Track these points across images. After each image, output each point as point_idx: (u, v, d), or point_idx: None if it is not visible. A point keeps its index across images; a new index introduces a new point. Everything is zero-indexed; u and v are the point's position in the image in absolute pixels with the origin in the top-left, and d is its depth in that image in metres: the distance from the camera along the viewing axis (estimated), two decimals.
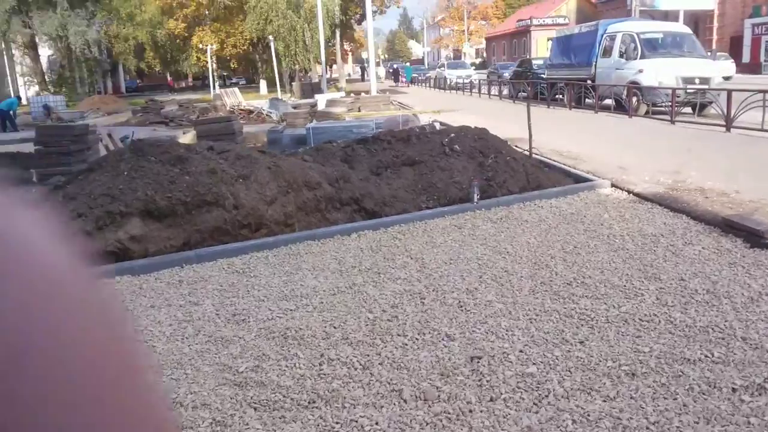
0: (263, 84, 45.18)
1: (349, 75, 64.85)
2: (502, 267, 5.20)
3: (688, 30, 17.65)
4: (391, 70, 49.40)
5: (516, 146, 11.36)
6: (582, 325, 4.06)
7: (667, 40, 16.82)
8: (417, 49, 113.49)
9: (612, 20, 20.62)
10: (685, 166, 8.74)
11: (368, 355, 3.74)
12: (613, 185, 7.97)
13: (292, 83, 39.30)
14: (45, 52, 43.79)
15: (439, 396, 3.27)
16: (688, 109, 14.44)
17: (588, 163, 9.49)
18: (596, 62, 18.30)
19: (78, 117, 24.70)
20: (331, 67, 56.22)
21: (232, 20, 44.66)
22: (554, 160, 9.80)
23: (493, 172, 7.62)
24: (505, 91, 26.69)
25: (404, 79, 45.59)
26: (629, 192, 7.61)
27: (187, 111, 25.12)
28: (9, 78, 44.51)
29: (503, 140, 8.48)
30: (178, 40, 47.85)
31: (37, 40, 40.00)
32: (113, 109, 31.29)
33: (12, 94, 40.81)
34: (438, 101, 26.39)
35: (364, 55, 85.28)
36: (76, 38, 38.82)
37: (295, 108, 19.27)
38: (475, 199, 7.13)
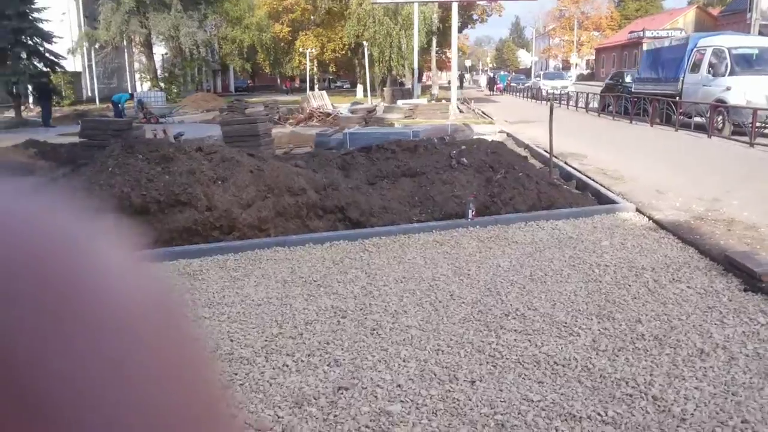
0: (360, 88, 45.80)
1: (448, 82, 64.49)
2: (450, 291, 4.82)
3: None
4: (488, 79, 48.61)
5: (566, 162, 10.73)
6: (487, 362, 3.64)
7: (763, 56, 15.29)
8: (526, 59, 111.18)
9: (705, 33, 19.06)
10: (731, 193, 7.82)
11: (236, 374, 3.54)
12: (638, 210, 7.26)
13: (383, 88, 39.52)
14: (159, 50, 46.73)
15: (272, 428, 3.01)
16: None
17: (627, 184, 8.73)
18: (684, 77, 16.96)
19: (167, 112, 26.06)
20: (430, 73, 56.04)
21: (334, 25, 45.63)
22: (590, 178, 9.12)
23: (500, 189, 7.16)
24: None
25: (501, 87, 44.68)
26: (650, 218, 6.90)
27: (272, 111, 25.85)
28: (127, 74, 47.95)
29: (520, 155, 7.97)
30: (282, 44, 49.53)
31: (152, 40, 42.72)
32: (211, 106, 32.81)
33: (129, 89, 44.02)
34: (521, 112, 25.57)
35: (467, 63, 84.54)
36: (186, 39, 41.08)
37: (352, 113, 19.28)
38: (470, 216, 6.71)
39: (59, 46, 40.63)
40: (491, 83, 46.18)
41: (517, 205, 7.12)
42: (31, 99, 27.33)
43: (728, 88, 14.74)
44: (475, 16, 49.32)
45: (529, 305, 4.48)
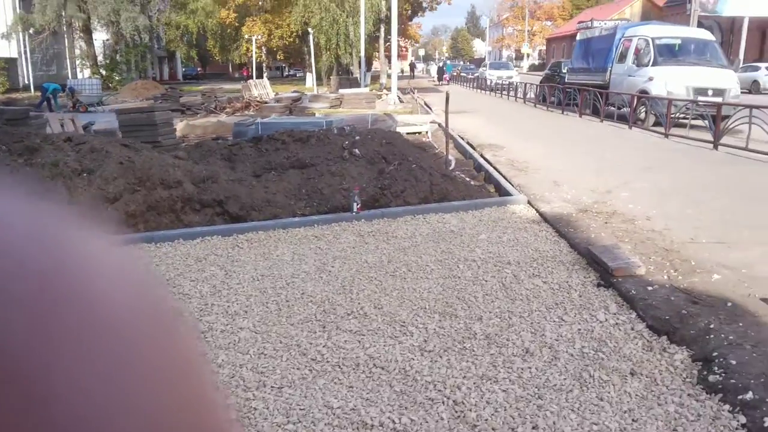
0: (309, 77, 45.23)
1: (401, 72, 64.20)
2: (303, 289, 4.65)
3: (710, 36, 16.21)
4: (438, 69, 48.50)
5: (481, 154, 10.67)
6: (305, 366, 3.49)
7: (686, 46, 15.53)
8: (482, 48, 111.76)
9: (633, 24, 19.29)
10: (627, 185, 7.85)
11: None
12: (529, 202, 7.22)
13: (330, 77, 39.13)
14: (101, 36, 45.24)
15: None
16: (704, 123, 13.18)
17: (530, 175, 8.71)
18: (611, 68, 17.14)
19: (96, 101, 25.23)
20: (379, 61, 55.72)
21: (281, 12, 44.87)
22: (496, 170, 9.07)
23: (391, 181, 7.02)
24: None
25: (447, 78, 44.67)
26: (537, 211, 6.85)
27: (208, 100, 25.28)
28: (67, 60, 46.28)
29: (416, 146, 7.86)
30: (229, 30, 48.50)
31: (91, 25, 41.31)
32: (151, 95, 31.89)
33: (69, 76, 42.51)
34: (462, 102, 25.57)
35: (420, 52, 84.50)
36: (127, 24, 39.91)
37: (277, 101, 18.94)
38: (354, 209, 6.55)
39: None
40: (440, 73, 46.12)
41: (408, 197, 7.00)
42: None
43: (650, 79, 14.93)
44: (424, 4, 49.11)
45: (376, 303, 4.35)
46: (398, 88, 35.80)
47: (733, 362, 3.25)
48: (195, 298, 4.54)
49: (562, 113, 18.70)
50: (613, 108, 16.06)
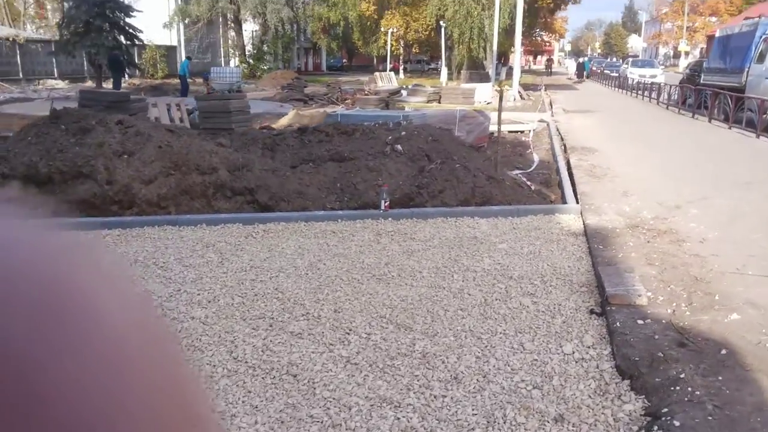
0: (445, 71, 45.05)
1: (545, 67, 61.72)
2: (270, 286, 4.57)
3: None
4: (577, 65, 46.01)
5: (565, 156, 10.01)
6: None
7: None
8: (638, 45, 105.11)
9: None
10: (704, 200, 6.94)
11: None
12: (581, 212, 6.61)
13: (461, 71, 38.61)
14: (251, 27, 48.09)
15: None
16: None
17: (601, 183, 8.00)
18: (749, 68, 15.28)
19: (227, 88, 26.73)
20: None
21: (419, 4, 44.98)
22: (569, 175, 8.42)
23: (430, 180, 6.73)
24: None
25: (575, 75, 42.39)
26: (584, 222, 6.25)
27: (332, 91, 25.95)
28: (221, 49, 49.66)
29: (464, 145, 7.46)
30: (369, 23, 49.48)
31: (240, 16, 44.00)
32: (287, 84, 33.33)
33: (222, 64, 45.72)
34: (590, 101, 24.18)
35: (566, 47, 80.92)
36: (272, 16, 42.04)
37: (375, 94, 18.86)
38: (382, 206, 6.36)
39: (155, 21, 42.83)
40: (580, 70, 43.83)
41: (447, 198, 6.68)
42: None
43: None
44: None
45: (338, 307, 4.16)
46: (526, 85, 34.61)
47: (677, 424, 2.71)
48: (175, 283, 4.62)
49: (692, 117, 17.02)
50: (751, 113, 14.32)
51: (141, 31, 28.44)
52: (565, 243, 5.65)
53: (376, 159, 6.93)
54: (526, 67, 73.43)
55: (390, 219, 6.33)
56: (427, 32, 45.11)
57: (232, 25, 45.01)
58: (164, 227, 5.94)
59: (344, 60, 76.01)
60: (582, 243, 5.64)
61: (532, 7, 43.04)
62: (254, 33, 48.03)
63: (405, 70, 57.07)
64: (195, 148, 6.49)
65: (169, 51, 43.50)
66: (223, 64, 46.03)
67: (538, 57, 64.93)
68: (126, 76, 29.04)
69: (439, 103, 15.45)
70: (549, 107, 21.27)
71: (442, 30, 36.87)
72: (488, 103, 22.84)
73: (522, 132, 14.78)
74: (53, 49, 28.88)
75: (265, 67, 44.44)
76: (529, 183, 7.88)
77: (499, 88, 8.50)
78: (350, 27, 51.75)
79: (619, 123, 16.05)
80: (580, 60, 50.57)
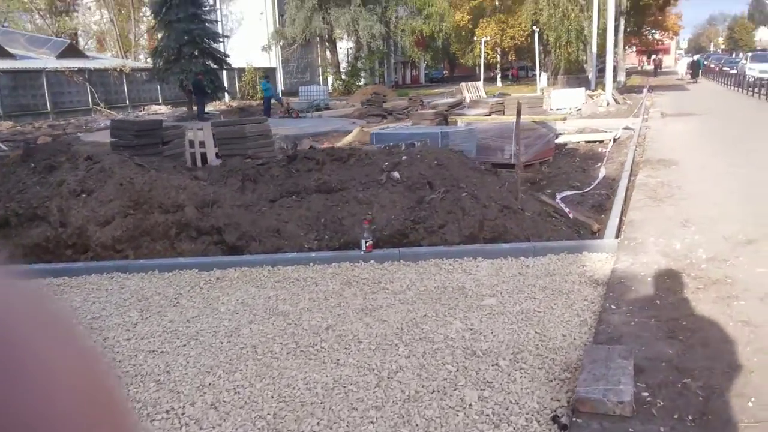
0: (543, 77, 42.93)
1: (654, 67, 57.31)
2: (170, 360, 3.69)
3: None
4: (690, 64, 41.81)
5: (631, 172, 8.52)
6: None
7: None
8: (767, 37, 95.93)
9: None
10: None
11: None
12: (618, 251, 5.24)
13: (556, 77, 36.46)
14: (346, 45, 48.37)
15: None
16: None
17: (661, 209, 6.49)
18: None
19: (305, 107, 26.56)
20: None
21: (515, 11, 43.26)
22: (624, 197, 6.97)
23: (430, 212, 5.62)
24: None
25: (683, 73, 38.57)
26: (614, 265, 4.89)
27: (414, 104, 25.06)
28: (319, 68, 50.36)
29: (477, 170, 6.25)
30: (463, 32, 48.29)
31: (333, 35, 44.30)
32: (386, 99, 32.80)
33: (321, 83, 46.37)
34: (695, 103, 21.66)
35: (683, 45, 74.96)
36: (364, 32, 41.96)
37: (432, 108, 17.56)
38: (364, 247, 5.34)
39: (255, 44, 44.09)
40: (695, 68, 39.90)
41: (448, 234, 5.53)
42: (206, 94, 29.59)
43: None
44: None
45: (190, 400, 3.20)
46: (632, 87, 31.94)
47: None
48: None
49: None
50: None
51: (228, 56, 29.09)
52: (575, 297, 4.35)
53: (369, 189, 5.91)
54: (639, 68, 68.87)
55: (372, 262, 5.29)
56: (523, 38, 43.28)
57: (327, 44, 45.39)
58: (112, 274, 5.26)
59: (445, 71, 75.07)
60: (598, 297, 4.31)
61: (637, 4, 40.07)
62: (348, 50, 48.26)
63: (505, 77, 55.21)
64: (160, 184, 5.80)
65: (268, 72, 44.52)
66: (321, 83, 46.64)
67: (652, 57, 60.43)
68: (217, 98, 29.85)
69: (503, 114, 14.10)
70: (645, 112, 19.16)
71: (536, 35, 34.97)
72: (578, 110, 21.03)
73: (601, 142, 13.12)
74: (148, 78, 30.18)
75: (359, 83, 44.52)
76: (568, 210, 6.52)
77: (518, 102, 7.20)
78: (449, 38, 50.82)
79: (719, 129, 13.89)
80: (694, 57, 46.22)
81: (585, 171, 9.90)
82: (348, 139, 16.01)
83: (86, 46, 46.08)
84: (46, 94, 29.52)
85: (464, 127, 10.57)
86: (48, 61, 31.09)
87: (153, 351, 3.81)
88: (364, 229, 5.36)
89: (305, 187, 6.08)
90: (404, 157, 6.11)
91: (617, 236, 5.59)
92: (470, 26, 47.05)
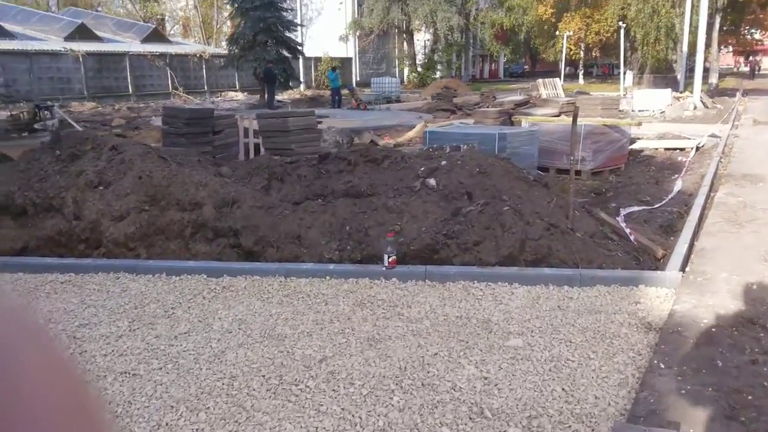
0: (629, 75, 40.81)
1: (755, 69, 53.43)
2: (135, 387, 3.28)
3: None
4: None
5: (711, 189, 7.62)
6: None
7: None
8: None
9: None
10: None
11: None
12: (674, 286, 4.47)
13: (641, 76, 34.45)
14: (424, 37, 47.66)
15: None
16: None
17: (739, 237, 5.62)
18: None
19: (374, 99, 26.10)
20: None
21: (601, 5, 41.24)
22: (702, 219, 6.11)
23: (465, 227, 5.02)
24: None
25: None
26: (675, 305, 4.14)
27: (486, 100, 24.17)
28: (396, 60, 49.91)
29: (526, 180, 5.56)
30: (546, 26, 46.57)
31: (411, 26, 43.67)
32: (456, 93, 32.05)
33: (396, 74, 46.01)
34: None
35: None
36: (442, 24, 41.15)
37: (497, 106, 16.54)
38: (386, 262, 4.80)
39: (333, 34, 44.12)
40: None
41: (484, 253, 4.92)
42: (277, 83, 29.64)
43: None
44: None
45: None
46: (724, 90, 29.72)
47: None
48: None
49: None
50: None
51: (301, 45, 29.05)
52: (620, 345, 3.66)
53: (401, 196, 5.35)
54: (735, 69, 64.54)
55: (394, 279, 4.75)
56: (608, 34, 41.25)
57: (404, 35, 44.83)
58: (118, 274, 4.96)
59: (526, 66, 72.97)
60: (647, 348, 3.61)
61: (736, 1, 37.31)
62: (426, 42, 47.54)
63: (588, 74, 52.93)
64: (180, 180, 5.45)
65: (344, 62, 44.40)
66: (397, 74, 46.22)
67: (750, 58, 56.47)
68: (290, 87, 29.88)
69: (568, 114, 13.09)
70: (736, 118, 17.60)
71: (621, 31, 33.13)
72: (662, 113, 19.61)
73: (682, 150, 11.99)
74: (222, 64, 30.54)
75: (435, 76, 43.78)
76: (629, 230, 5.73)
77: (563, 108, 6.43)
78: (531, 32, 49.19)
79: None
80: None
81: (659, 183, 8.95)
82: (410, 134, 15.44)
83: (171, 32, 47.53)
84: (128, 77, 30.47)
85: (527, 128, 9.79)
86: (132, 45, 32.04)
87: (125, 372, 3.42)
88: (388, 242, 4.81)
89: (333, 190, 5.59)
90: (443, 162, 5.51)
91: (682, 268, 4.80)
92: (553, 20, 45.29)
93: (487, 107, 16.62)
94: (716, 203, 6.94)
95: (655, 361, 3.33)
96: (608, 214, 6.43)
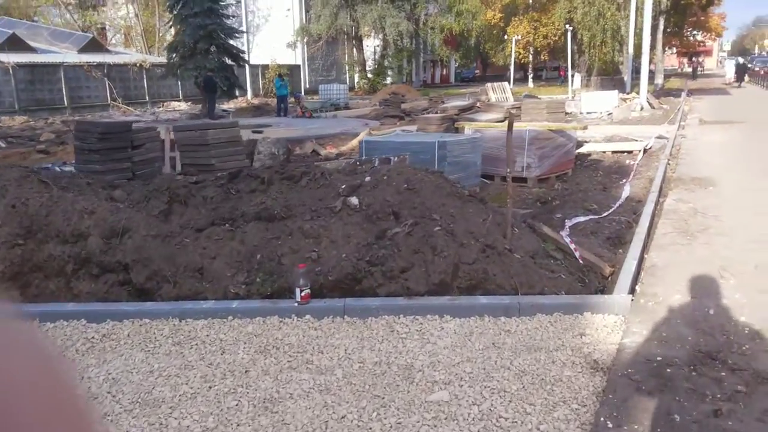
0: (577, 78, 41.11)
1: (707, 70, 54.75)
2: None
3: None
4: (737, 66, 39.29)
5: (677, 198, 7.22)
6: None
7: None
8: None
9: None
10: None
11: None
12: (631, 314, 3.95)
13: (589, 78, 34.70)
14: (373, 42, 47.15)
15: None
16: None
17: (692, 249, 5.17)
18: None
19: (319, 106, 25.46)
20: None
21: (549, 8, 41.54)
22: (650, 233, 5.64)
23: (391, 252, 4.40)
24: None
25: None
26: (622, 337, 3.60)
27: (435, 105, 23.77)
28: (345, 66, 49.31)
29: (460, 196, 4.99)
30: (495, 31, 46.74)
31: (360, 32, 43.14)
32: (401, 99, 31.57)
33: (347, 81, 45.43)
34: (738, 110, 19.97)
35: (727, 47, 71.78)
36: (390, 30, 40.75)
37: (440, 111, 16.14)
38: (298, 296, 4.15)
39: (281, 41, 43.22)
40: (741, 71, 37.59)
41: (412, 281, 4.31)
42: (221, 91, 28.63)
43: None
44: None
45: None
46: (670, 90, 30.11)
47: None
48: None
49: None
50: None
51: (244, 52, 28.19)
52: (561, 392, 3.09)
53: (320, 218, 4.71)
54: (679, 70, 66.12)
55: (307, 317, 4.10)
56: (556, 37, 41.62)
57: (353, 41, 44.29)
58: None
59: (477, 71, 73.31)
60: (592, 396, 3.05)
61: (678, 4, 37.97)
62: (375, 48, 47.06)
63: (537, 77, 53.30)
64: (62, 207, 4.70)
65: (293, 70, 43.50)
66: (347, 81, 45.64)
67: (693, 58, 57.89)
68: (233, 96, 28.93)
69: (520, 119, 12.71)
70: (682, 118, 17.58)
71: (568, 34, 33.31)
72: (609, 115, 19.50)
73: (630, 152, 11.70)
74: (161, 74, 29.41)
75: (386, 82, 43.34)
76: (574, 247, 5.21)
77: (508, 114, 5.93)
78: (481, 37, 49.25)
79: (765, 140, 12.34)
80: (740, 60, 43.66)
81: (606, 189, 8.54)
82: (354, 143, 14.83)
83: (113, 42, 45.88)
84: (63, 89, 29.03)
85: (470, 135, 9.27)
86: (67, 55, 30.61)
87: None
88: (300, 274, 4.16)
89: (244, 213, 4.90)
90: (367, 179, 4.89)
91: (632, 290, 4.29)
92: (502, 24, 45.52)
93: (434, 113, 16.12)
94: (666, 210, 6.53)
95: (602, 418, 2.77)
96: (553, 228, 5.92)
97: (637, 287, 4.37)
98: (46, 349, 0.38)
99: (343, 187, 4.85)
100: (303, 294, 4.14)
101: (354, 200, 4.74)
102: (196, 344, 3.80)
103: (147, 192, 5.03)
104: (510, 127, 4.93)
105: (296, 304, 4.15)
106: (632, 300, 4.09)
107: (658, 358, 3.27)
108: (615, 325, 3.85)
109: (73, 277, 4.55)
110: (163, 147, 9.68)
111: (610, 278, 4.97)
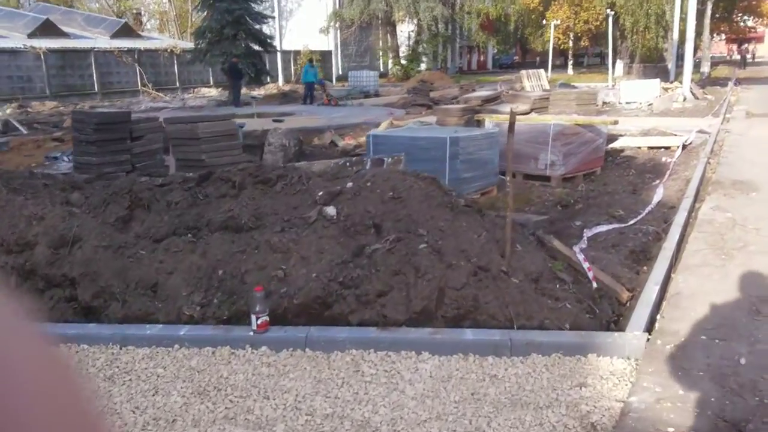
0: (619, 65, 39.54)
1: (751, 56, 52.22)
2: None
3: None
4: None
5: (715, 206, 6.47)
6: None
7: None
8: None
9: None
10: None
11: None
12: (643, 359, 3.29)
13: (632, 65, 33.25)
14: (408, 28, 46.23)
15: None
16: None
17: (727, 273, 4.44)
18: None
19: (347, 94, 24.84)
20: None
21: None
22: (675, 249, 4.92)
23: (368, 272, 3.81)
24: None
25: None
26: (629, 399, 2.95)
27: (465, 93, 22.93)
28: (380, 52, 48.50)
29: (453, 206, 4.34)
30: (533, 15, 45.27)
31: (393, 17, 42.29)
32: (433, 86, 30.75)
33: (380, 67, 44.74)
34: None
35: None
36: (425, 14, 39.85)
37: (463, 101, 15.28)
38: (254, 324, 3.60)
39: (313, 27, 42.68)
40: None
41: (390, 307, 3.72)
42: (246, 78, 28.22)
43: None
44: None
45: None
46: (717, 79, 28.59)
47: None
48: None
49: None
50: None
51: (272, 38, 27.71)
52: None
53: (292, 230, 4.14)
54: (728, 57, 63.36)
55: (264, 349, 3.55)
56: (598, 22, 40.01)
57: (387, 27, 43.46)
58: None
59: (516, 57, 71.53)
60: None
61: None
62: (410, 34, 46.16)
63: (579, 64, 51.64)
64: (8, 212, 4.23)
65: (324, 56, 42.96)
66: (380, 67, 44.90)
67: (742, 46, 55.28)
68: (261, 82, 28.51)
69: (547, 111, 11.83)
70: (728, 110, 16.44)
71: (610, 19, 31.90)
72: (649, 105, 18.42)
73: (667, 148, 10.81)
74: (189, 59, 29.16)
75: (420, 69, 42.47)
76: (588, 266, 4.53)
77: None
78: (520, 22, 47.85)
79: None
80: None
81: (636, 192, 7.76)
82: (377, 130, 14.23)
83: (147, 27, 45.98)
84: (94, 75, 29.09)
85: (487, 129, 8.57)
86: (98, 40, 30.65)
87: None
88: (257, 298, 3.61)
89: (209, 221, 4.36)
90: (349, 185, 4.29)
91: (649, 326, 3.61)
92: (541, 8, 44.03)
93: (455, 103, 15.39)
94: (700, 221, 5.76)
95: None
96: (568, 239, 5.24)
97: (656, 320, 3.69)
98: (49, 342, 0.36)
99: (321, 194, 4.26)
100: (260, 322, 3.59)
101: (331, 210, 4.15)
102: (129, 380, 3.28)
103: (106, 195, 4.53)
104: (511, 127, 4.26)
105: (252, 333, 3.60)
106: (648, 339, 3.42)
107: (670, 429, 2.61)
108: (623, 373, 3.19)
109: (15, 291, 4.07)
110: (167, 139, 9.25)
111: (627, 304, 4.28)
